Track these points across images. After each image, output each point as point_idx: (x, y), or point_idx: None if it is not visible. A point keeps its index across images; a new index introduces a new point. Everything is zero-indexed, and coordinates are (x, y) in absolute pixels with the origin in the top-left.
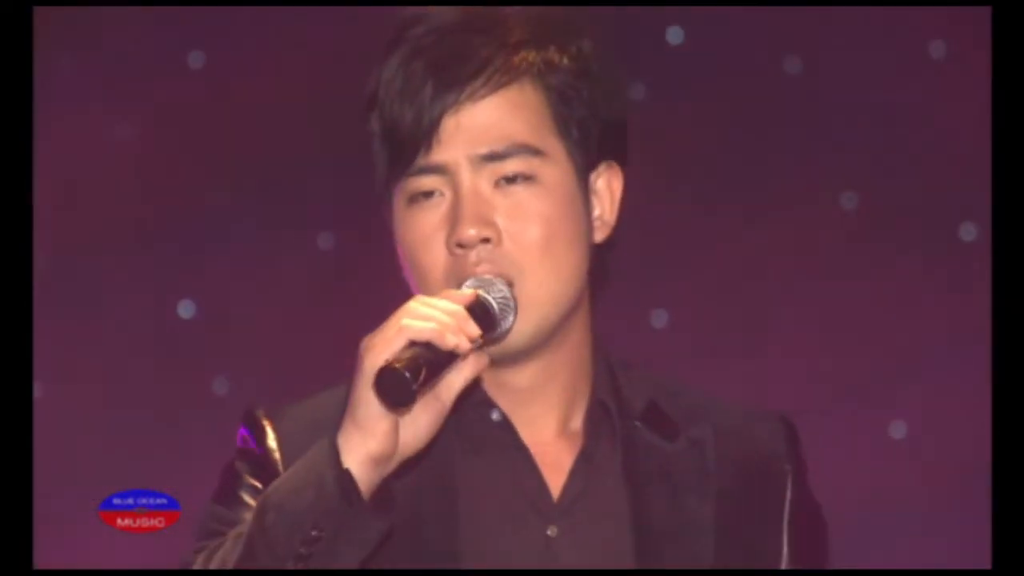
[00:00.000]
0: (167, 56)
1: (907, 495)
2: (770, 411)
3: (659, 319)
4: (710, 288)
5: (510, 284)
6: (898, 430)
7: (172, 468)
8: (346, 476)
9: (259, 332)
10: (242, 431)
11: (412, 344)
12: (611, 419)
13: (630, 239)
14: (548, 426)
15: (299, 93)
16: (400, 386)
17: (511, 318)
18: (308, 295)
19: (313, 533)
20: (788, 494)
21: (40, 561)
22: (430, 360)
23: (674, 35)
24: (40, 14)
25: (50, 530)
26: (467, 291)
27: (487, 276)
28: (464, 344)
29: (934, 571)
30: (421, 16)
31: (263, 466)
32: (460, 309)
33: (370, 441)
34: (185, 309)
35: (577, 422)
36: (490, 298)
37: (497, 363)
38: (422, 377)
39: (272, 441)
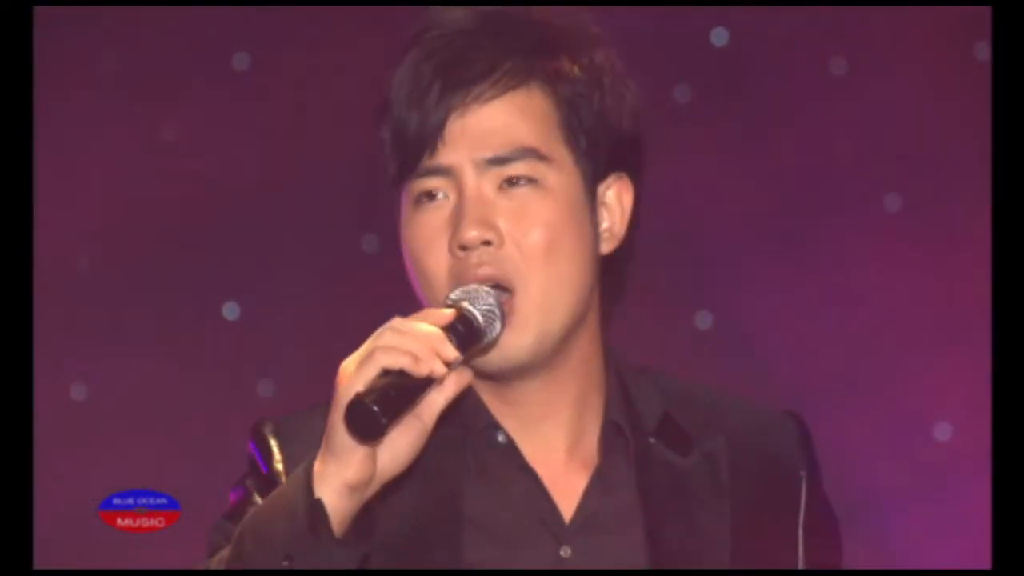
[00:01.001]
0: (212, 58)
1: (951, 496)
2: (782, 411)
3: (704, 320)
4: (755, 290)
5: (509, 290)
6: (943, 432)
7: (217, 471)
8: (317, 506)
9: (303, 334)
10: (250, 446)
11: (386, 372)
12: (625, 437)
13: (676, 240)
14: (559, 445)
15: (345, 94)
16: (370, 421)
17: (498, 327)
18: (352, 297)
19: (284, 563)
20: (803, 500)
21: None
22: (404, 388)
23: (718, 36)
24: (85, 13)
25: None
26: (447, 310)
27: (472, 286)
28: (439, 369)
29: (934, 571)
30: (436, 20)
31: (270, 486)
32: (435, 332)
33: (345, 470)
34: (230, 311)
35: (590, 440)
36: (474, 310)
37: (502, 379)
38: (394, 409)
39: (278, 463)
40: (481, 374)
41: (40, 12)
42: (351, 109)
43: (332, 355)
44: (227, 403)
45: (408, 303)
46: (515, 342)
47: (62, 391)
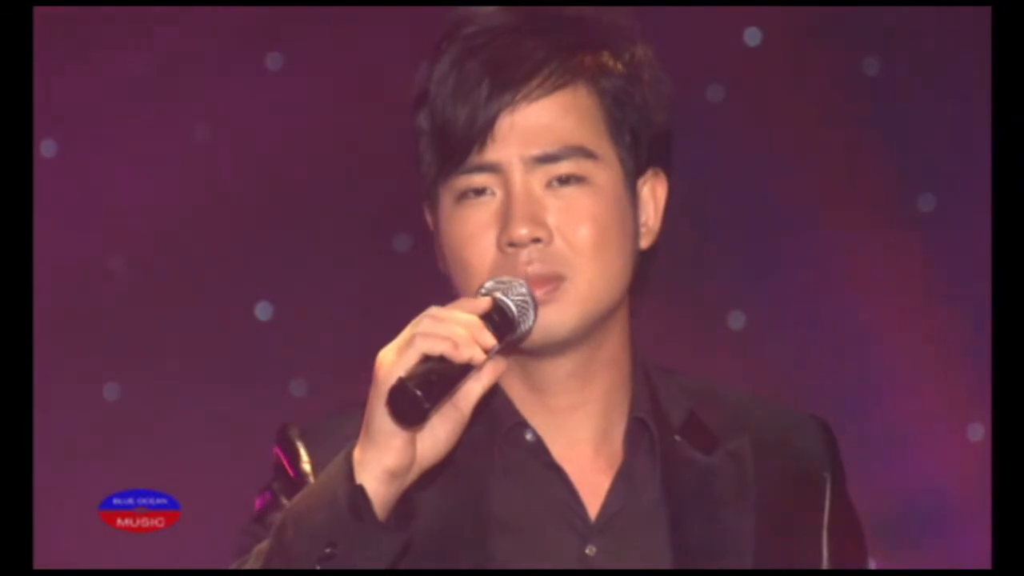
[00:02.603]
0: (245, 57)
1: (985, 496)
2: (807, 414)
3: (736, 320)
4: (787, 289)
5: (562, 278)
6: (976, 432)
7: (250, 470)
8: (359, 492)
9: (336, 334)
10: (277, 450)
11: (426, 358)
12: (650, 435)
13: (709, 240)
14: (587, 441)
15: (376, 94)
16: (412, 405)
17: (531, 317)
18: (385, 297)
19: (327, 550)
20: (827, 501)
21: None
22: (444, 374)
23: (752, 36)
24: (118, 12)
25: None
26: (483, 299)
27: (506, 277)
28: (478, 356)
29: (934, 571)
30: (471, 16)
31: (298, 489)
32: (474, 319)
33: (385, 456)
34: (263, 311)
35: (616, 437)
36: (508, 300)
37: (538, 356)
38: (436, 394)
39: (306, 464)
40: (518, 351)
41: (78, 12)
42: (383, 108)
43: (364, 355)
44: (260, 403)
45: (441, 302)
46: (557, 318)
47: (95, 392)
